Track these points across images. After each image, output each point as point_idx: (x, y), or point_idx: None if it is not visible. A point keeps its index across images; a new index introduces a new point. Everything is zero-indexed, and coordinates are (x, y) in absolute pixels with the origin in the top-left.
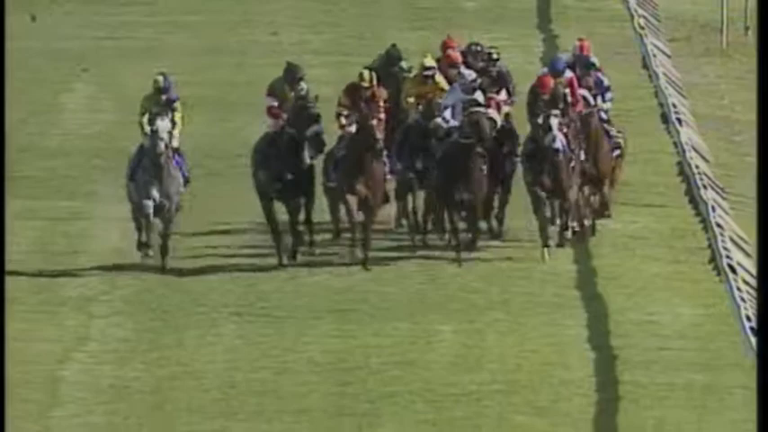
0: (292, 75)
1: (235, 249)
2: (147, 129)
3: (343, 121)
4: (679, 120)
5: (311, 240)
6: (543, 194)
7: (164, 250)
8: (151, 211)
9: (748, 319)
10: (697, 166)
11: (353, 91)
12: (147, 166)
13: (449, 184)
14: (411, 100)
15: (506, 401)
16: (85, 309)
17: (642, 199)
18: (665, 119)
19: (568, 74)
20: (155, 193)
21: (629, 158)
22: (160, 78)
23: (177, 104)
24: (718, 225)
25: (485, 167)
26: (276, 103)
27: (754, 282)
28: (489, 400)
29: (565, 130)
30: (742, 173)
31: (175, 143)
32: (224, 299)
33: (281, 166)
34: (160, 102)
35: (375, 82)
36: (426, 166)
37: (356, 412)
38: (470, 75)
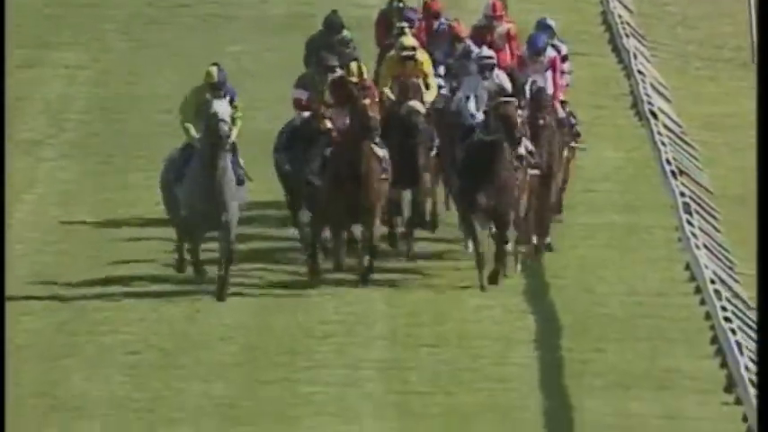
0: (325, 65)
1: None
2: (193, 133)
3: (328, 124)
4: None
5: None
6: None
7: (222, 278)
8: (201, 222)
9: (668, 162)
10: (620, 16)
11: (340, 87)
12: (198, 162)
13: (472, 189)
14: (389, 83)
15: None
16: (33, 152)
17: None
18: None
19: (551, 52)
20: (206, 201)
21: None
22: (213, 70)
23: (237, 102)
24: (640, 72)
25: (515, 170)
26: (305, 97)
27: (673, 126)
28: None
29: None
30: (662, 21)
31: (233, 138)
32: (167, 142)
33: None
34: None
35: (365, 75)
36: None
37: None
38: (483, 51)
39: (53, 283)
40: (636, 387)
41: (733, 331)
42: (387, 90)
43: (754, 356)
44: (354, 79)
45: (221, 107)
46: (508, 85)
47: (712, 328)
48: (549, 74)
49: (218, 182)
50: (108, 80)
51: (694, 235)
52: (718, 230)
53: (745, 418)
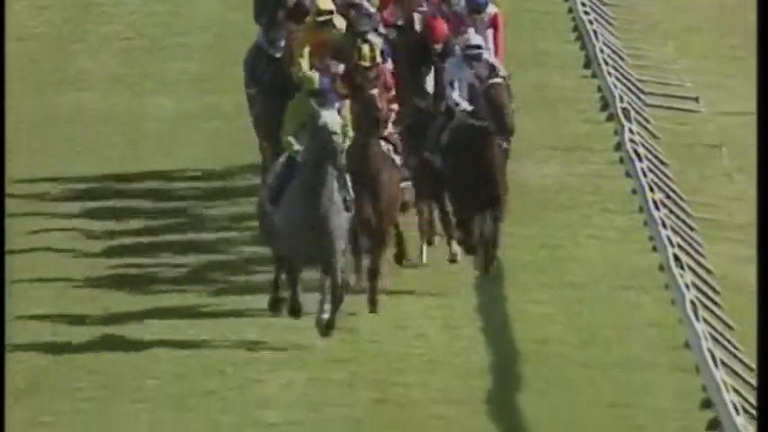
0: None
1: None
2: (295, 147)
3: None
4: None
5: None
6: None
7: (329, 322)
8: (301, 253)
9: None
10: None
11: (353, 76)
12: (300, 182)
13: (461, 180)
14: (305, 52)
15: None
16: None
17: None
18: None
19: (491, 9)
20: (307, 228)
21: None
22: (315, 76)
23: (345, 110)
24: None
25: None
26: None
27: None
28: None
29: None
30: None
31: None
32: None
33: None
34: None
35: (378, 58)
36: None
37: None
38: (471, 38)
39: None
40: (518, 66)
41: (591, 22)
42: (302, 60)
43: (606, 41)
44: (366, 63)
45: (331, 118)
46: (492, 59)
47: (573, 19)
48: (489, 32)
49: (324, 206)
50: None
51: None
52: None
53: (599, 89)
